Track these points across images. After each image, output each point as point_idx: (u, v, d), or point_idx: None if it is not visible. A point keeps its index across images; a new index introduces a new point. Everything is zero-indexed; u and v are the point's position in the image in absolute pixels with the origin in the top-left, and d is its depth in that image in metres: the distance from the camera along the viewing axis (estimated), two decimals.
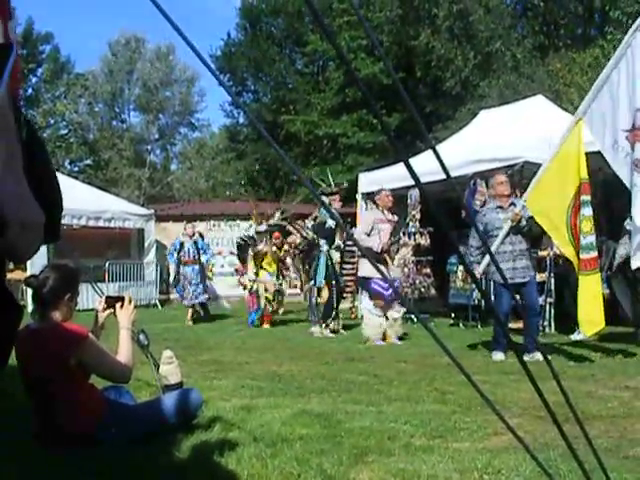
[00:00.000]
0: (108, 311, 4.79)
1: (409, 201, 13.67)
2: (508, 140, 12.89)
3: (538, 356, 8.34)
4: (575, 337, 10.84)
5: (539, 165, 11.88)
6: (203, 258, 15.33)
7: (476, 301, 12.79)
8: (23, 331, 4.34)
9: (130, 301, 4.77)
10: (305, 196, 30.79)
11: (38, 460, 4.13)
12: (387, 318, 10.87)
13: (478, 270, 8.86)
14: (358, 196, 16.14)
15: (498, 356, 8.77)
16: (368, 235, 10.75)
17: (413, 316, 12.75)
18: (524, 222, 8.78)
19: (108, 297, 4.91)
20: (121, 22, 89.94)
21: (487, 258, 8.72)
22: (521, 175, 12.16)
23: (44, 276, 4.36)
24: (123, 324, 4.66)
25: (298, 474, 3.80)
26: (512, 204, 9.06)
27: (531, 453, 1.84)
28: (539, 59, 26.89)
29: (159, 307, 20.81)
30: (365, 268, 11.01)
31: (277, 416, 5.25)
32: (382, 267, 10.32)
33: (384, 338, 10.82)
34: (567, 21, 28.15)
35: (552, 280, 11.71)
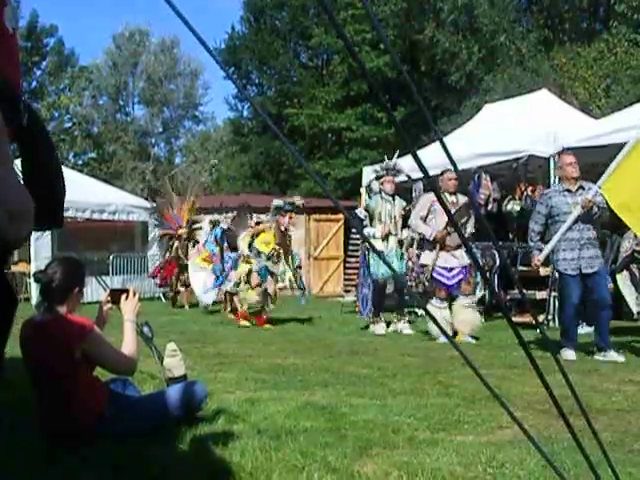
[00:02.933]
0: (110, 305, 4.80)
1: (414, 194, 13.64)
2: (513, 134, 12.88)
3: (612, 354, 8.04)
4: (580, 331, 10.83)
5: (544, 159, 11.95)
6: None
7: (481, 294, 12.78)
8: (28, 323, 4.35)
9: (135, 294, 4.78)
10: (309, 189, 30.81)
11: (39, 451, 4.14)
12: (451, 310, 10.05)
13: (538, 258, 8.43)
14: (362, 190, 16.13)
15: (568, 354, 8.19)
16: (424, 220, 10.02)
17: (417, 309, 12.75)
18: (596, 209, 8.16)
19: (112, 290, 4.92)
20: (125, 15, 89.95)
21: (550, 245, 8.25)
22: (526, 169, 12.17)
23: (52, 271, 4.35)
24: (127, 317, 4.66)
25: (302, 467, 3.80)
26: (581, 187, 8.39)
27: (536, 445, 1.84)
28: (544, 53, 26.84)
29: (163, 300, 20.79)
30: (426, 256, 10.19)
31: (281, 409, 5.25)
32: (444, 253, 9.88)
33: (454, 335, 9.76)
34: (572, 15, 28.08)
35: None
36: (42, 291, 4.43)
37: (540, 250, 8.37)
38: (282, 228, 12.65)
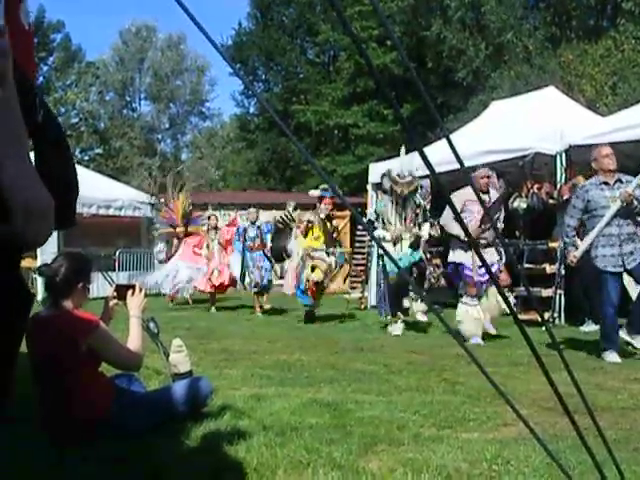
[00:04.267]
0: (115, 300, 4.81)
1: (419, 191, 13.64)
2: (519, 131, 12.87)
3: None
4: (585, 328, 10.83)
5: (550, 156, 11.93)
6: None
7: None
8: (34, 318, 4.35)
9: (140, 289, 4.78)
10: (315, 186, 30.78)
11: (42, 447, 4.16)
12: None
13: (574, 254, 8.08)
14: (368, 186, 16.12)
15: (612, 357, 7.75)
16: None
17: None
18: (636, 203, 7.77)
19: (118, 286, 4.93)
20: (132, 11, 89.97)
21: (587, 241, 7.93)
22: (532, 166, 12.15)
23: (57, 265, 4.36)
24: (133, 312, 4.67)
25: (307, 463, 3.81)
26: (619, 180, 7.96)
27: (541, 442, 1.85)
28: (551, 50, 26.80)
29: None
30: (456, 253, 9.80)
31: (286, 405, 5.26)
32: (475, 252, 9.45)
33: (483, 336, 9.56)
34: (579, 12, 28.02)
35: (562, 271, 11.67)
36: (46, 285, 4.45)
37: (575, 246, 8.08)
38: (322, 215, 12.40)
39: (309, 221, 12.51)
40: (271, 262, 14.25)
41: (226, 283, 15.39)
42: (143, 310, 4.75)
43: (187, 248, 15.98)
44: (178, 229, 16.53)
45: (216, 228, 15.74)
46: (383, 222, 10.92)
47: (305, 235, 12.48)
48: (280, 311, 14.50)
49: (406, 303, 10.88)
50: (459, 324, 9.57)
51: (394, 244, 10.67)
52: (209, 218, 16.11)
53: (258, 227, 14.54)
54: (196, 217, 17.20)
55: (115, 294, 4.81)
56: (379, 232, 10.77)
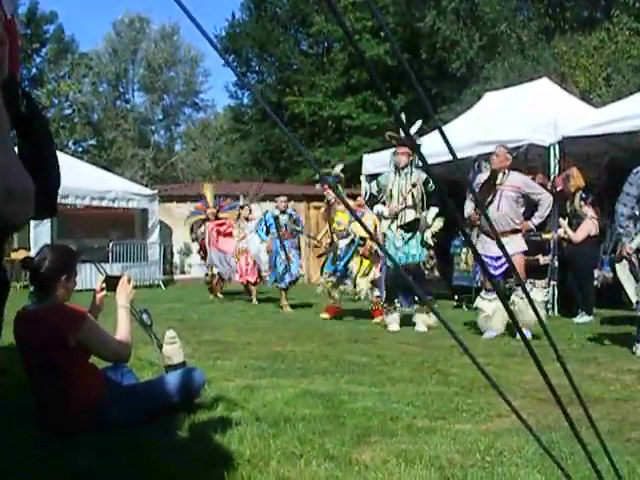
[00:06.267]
0: (104, 292, 4.81)
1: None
2: (513, 122, 12.88)
3: None
4: (578, 320, 10.87)
5: (544, 147, 11.94)
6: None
7: (479, 283, 12.75)
8: (22, 313, 4.34)
9: (129, 280, 4.78)
10: (309, 177, 30.80)
11: (38, 439, 4.15)
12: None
13: (630, 246, 7.56)
14: (362, 178, 16.11)
15: None
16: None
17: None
18: None
19: (107, 277, 4.92)
20: (125, 1, 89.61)
21: None
22: (526, 157, 12.15)
23: (40, 257, 4.35)
24: (121, 303, 4.66)
25: (300, 454, 3.81)
26: None
27: (534, 434, 1.85)
28: (545, 41, 26.76)
29: (162, 287, 20.85)
30: (478, 245, 9.07)
31: (280, 396, 5.26)
32: (488, 241, 8.97)
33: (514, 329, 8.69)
34: (573, 4, 27.97)
35: (556, 263, 11.69)
36: (31, 279, 4.44)
37: (631, 237, 7.52)
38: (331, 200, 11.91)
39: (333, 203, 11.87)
40: (300, 252, 14.20)
41: (256, 280, 15.37)
42: (132, 301, 4.75)
43: (212, 234, 15.90)
44: (209, 211, 16.27)
45: (247, 219, 15.58)
46: (384, 196, 10.29)
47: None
48: (275, 300, 14.49)
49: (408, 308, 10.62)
50: (477, 318, 9.40)
51: (392, 220, 10.11)
52: (242, 207, 15.87)
53: (290, 215, 14.11)
54: (225, 204, 16.91)
55: (104, 285, 4.81)
56: (378, 207, 10.33)
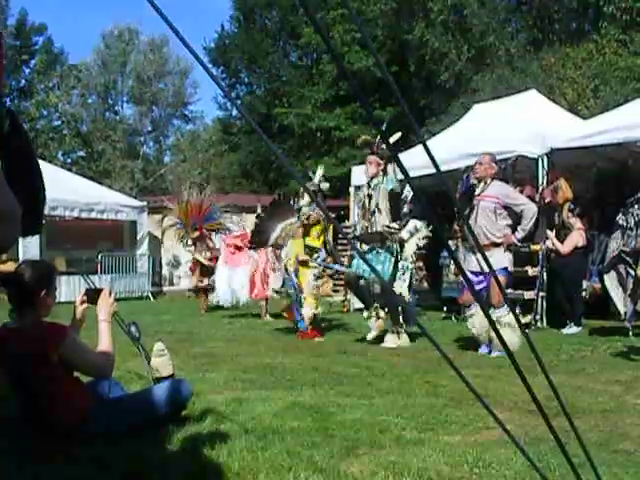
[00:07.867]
0: (85, 305, 4.77)
1: (403, 195, 13.62)
2: (501, 134, 12.90)
3: None
4: (567, 331, 10.89)
5: (532, 159, 11.99)
6: None
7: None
8: (2, 330, 4.32)
9: (110, 293, 4.75)
10: (298, 188, 30.80)
11: (24, 451, 4.13)
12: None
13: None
14: (351, 189, 16.12)
15: None
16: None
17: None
18: None
19: (88, 290, 4.89)
20: (115, 13, 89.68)
21: None
22: (514, 169, 12.18)
23: (19, 273, 4.33)
24: (102, 317, 4.62)
25: (289, 467, 3.80)
26: None
27: (519, 446, 1.85)
28: (533, 53, 26.92)
29: (151, 299, 20.81)
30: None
31: (268, 408, 5.25)
32: (471, 255, 8.58)
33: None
34: (561, 16, 28.14)
35: (544, 274, 11.71)
36: (9, 296, 4.41)
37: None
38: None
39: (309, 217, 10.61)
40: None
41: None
42: (113, 314, 4.71)
43: (226, 249, 15.00)
44: (192, 235, 15.82)
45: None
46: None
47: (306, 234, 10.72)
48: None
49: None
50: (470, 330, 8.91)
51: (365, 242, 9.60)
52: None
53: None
54: (209, 211, 16.30)
55: (84, 298, 4.77)
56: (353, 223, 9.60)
